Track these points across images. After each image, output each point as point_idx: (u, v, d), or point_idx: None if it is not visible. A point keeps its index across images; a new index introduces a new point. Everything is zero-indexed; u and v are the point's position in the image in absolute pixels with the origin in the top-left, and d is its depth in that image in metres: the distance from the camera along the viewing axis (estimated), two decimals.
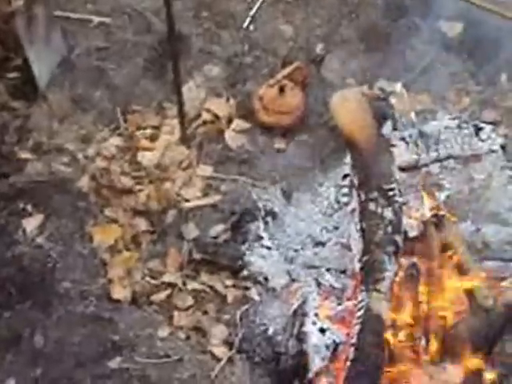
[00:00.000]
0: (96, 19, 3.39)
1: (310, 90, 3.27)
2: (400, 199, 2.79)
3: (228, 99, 3.26)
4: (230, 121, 3.21)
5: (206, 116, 3.21)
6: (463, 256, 2.74)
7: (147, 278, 2.83)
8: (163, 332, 2.69)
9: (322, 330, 2.65)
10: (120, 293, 2.78)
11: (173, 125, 3.17)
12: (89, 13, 3.41)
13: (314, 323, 2.67)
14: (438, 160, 3.07)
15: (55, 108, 3.17)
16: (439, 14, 3.42)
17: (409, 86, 3.27)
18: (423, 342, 2.59)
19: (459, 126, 3.11)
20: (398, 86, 3.27)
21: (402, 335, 2.60)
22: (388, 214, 2.72)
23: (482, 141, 3.09)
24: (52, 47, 3.21)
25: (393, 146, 3.02)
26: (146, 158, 3.09)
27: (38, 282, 2.73)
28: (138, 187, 3.02)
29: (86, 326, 2.65)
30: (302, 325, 2.68)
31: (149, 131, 3.16)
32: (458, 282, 2.72)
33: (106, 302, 2.74)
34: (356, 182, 2.85)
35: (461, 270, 2.73)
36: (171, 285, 2.82)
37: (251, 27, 3.43)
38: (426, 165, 3.07)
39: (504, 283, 2.73)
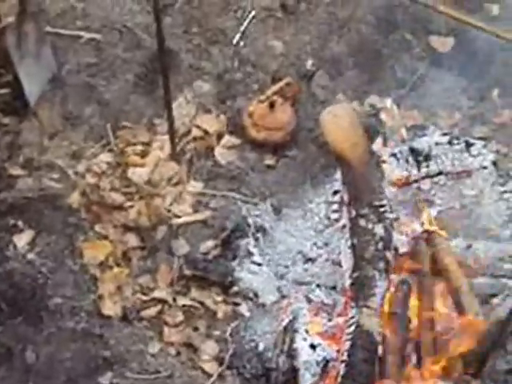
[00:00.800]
0: (86, 35, 3.47)
1: (300, 105, 3.37)
2: (391, 215, 2.90)
3: (218, 115, 3.36)
4: (220, 137, 3.31)
5: (196, 132, 3.31)
6: (454, 272, 2.86)
7: (138, 294, 2.92)
8: (154, 348, 2.78)
9: (313, 347, 2.74)
10: (110, 309, 2.87)
11: (163, 141, 3.26)
12: (79, 29, 3.49)
13: (305, 339, 2.76)
14: (428, 176, 3.18)
15: (46, 124, 3.26)
16: (430, 29, 3.56)
17: (399, 102, 3.38)
18: (414, 358, 2.69)
19: (450, 142, 3.21)
20: (389, 102, 3.38)
21: (392, 351, 2.69)
22: (379, 230, 2.82)
23: (473, 157, 3.19)
24: (42, 63, 3.29)
25: (383, 162, 3.14)
26: (137, 174, 3.18)
27: (29, 298, 2.80)
28: (129, 203, 3.11)
29: (76, 342, 2.73)
30: (292, 341, 2.77)
31: (139, 147, 3.25)
32: (449, 298, 2.84)
33: (96, 317, 2.82)
34: (347, 198, 2.93)
35: (451, 287, 2.84)
36: (162, 301, 2.90)
37: (241, 43, 3.53)
38: (416, 181, 3.17)
39: (495, 300, 2.85)
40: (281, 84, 3.31)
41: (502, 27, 3.36)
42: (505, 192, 3.13)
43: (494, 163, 3.18)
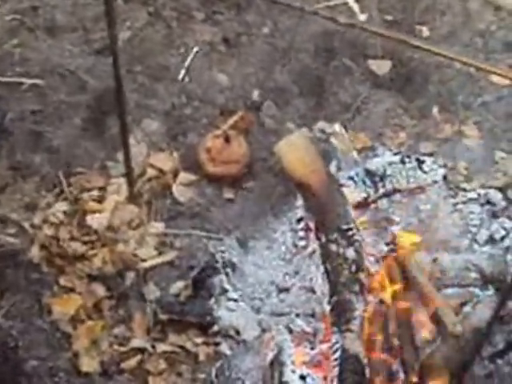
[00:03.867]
0: (27, 81, 3.22)
1: (251, 137, 3.22)
2: (358, 237, 2.80)
3: (171, 152, 3.16)
4: (175, 174, 3.12)
5: (151, 172, 3.10)
6: (426, 286, 2.77)
7: (115, 346, 2.68)
8: None
9: (303, 377, 2.58)
10: (89, 365, 2.62)
11: (118, 184, 3.03)
12: (18, 75, 3.24)
13: (293, 371, 2.59)
14: (385, 195, 3.09)
15: None
16: (367, 53, 3.49)
17: (346, 125, 3.27)
18: (401, 375, 2.59)
19: (402, 161, 3.14)
20: (337, 127, 3.27)
21: (380, 371, 2.58)
22: (350, 253, 2.69)
23: (425, 173, 3.13)
24: None
25: (342, 185, 3.05)
26: (96, 220, 2.94)
27: (2, 364, 2.53)
28: (91, 252, 2.87)
29: None
30: (281, 375, 2.59)
31: (95, 193, 3.01)
32: (424, 312, 2.76)
33: (75, 376, 2.58)
34: (313, 224, 2.82)
35: (425, 300, 2.76)
36: (140, 350, 2.68)
37: (186, 79, 3.35)
38: (374, 201, 3.09)
39: (465, 308, 2.78)
40: (235, 118, 3.15)
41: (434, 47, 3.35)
42: (457, 204, 3.08)
43: (444, 177, 3.14)
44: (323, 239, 2.74)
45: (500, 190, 3.11)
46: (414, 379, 2.59)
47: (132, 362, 2.65)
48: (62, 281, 2.79)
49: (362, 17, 3.56)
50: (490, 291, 2.83)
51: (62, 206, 2.96)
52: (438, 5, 3.67)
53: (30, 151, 3.08)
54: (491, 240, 3.00)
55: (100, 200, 3.00)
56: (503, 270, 2.88)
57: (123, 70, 3.22)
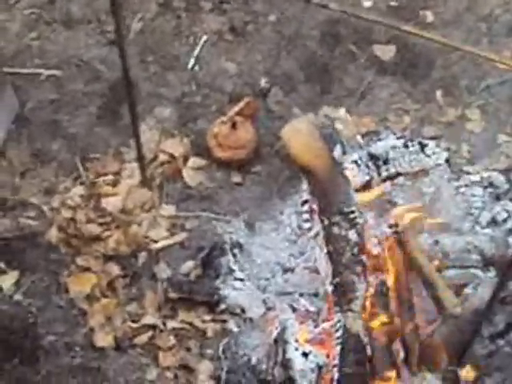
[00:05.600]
0: (45, 72, 3.31)
1: (259, 122, 3.27)
2: (361, 220, 2.84)
3: (182, 138, 3.23)
4: (186, 159, 3.19)
5: (162, 157, 3.18)
6: (427, 267, 2.80)
7: (128, 323, 2.78)
8: (151, 374, 2.66)
9: (305, 354, 2.65)
10: (103, 340, 2.73)
11: (132, 169, 3.12)
12: (37, 67, 3.32)
13: (296, 349, 2.67)
14: (389, 178, 3.11)
15: (15, 163, 3.08)
16: (372, 39, 3.50)
17: (351, 110, 3.31)
18: (402, 354, 2.63)
19: (405, 145, 3.14)
20: (342, 112, 3.32)
21: (380, 350, 2.65)
22: (352, 235, 2.74)
23: (428, 156, 3.13)
24: (5, 104, 3.11)
25: (346, 169, 3.10)
26: (110, 203, 3.04)
27: (22, 339, 2.64)
28: (106, 233, 2.96)
29: (75, 378, 2.60)
30: (284, 351, 2.67)
31: (110, 177, 3.10)
32: (424, 293, 2.81)
33: (91, 350, 2.69)
34: (316, 207, 2.87)
35: (426, 281, 2.79)
36: (152, 326, 2.78)
37: (196, 67, 3.41)
38: (378, 184, 3.12)
39: (467, 290, 2.81)
40: (241, 104, 3.20)
41: (437, 32, 3.37)
42: (460, 187, 3.10)
43: (447, 160, 3.14)
44: (326, 222, 2.79)
45: (503, 172, 3.12)
46: (414, 358, 2.62)
47: (144, 338, 2.75)
48: (79, 261, 2.89)
49: (367, 3, 3.58)
50: (492, 273, 2.83)
51: (78, 190, 3.06)
52: None
53: (48, 138, 3.17)
54: (493, 222, 3.01)
55: (114, 184, 3.08)
56: (505, 251, 2.88)
57: (136, 60, 3.36)
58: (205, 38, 3.49)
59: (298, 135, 2.93)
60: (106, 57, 3.36)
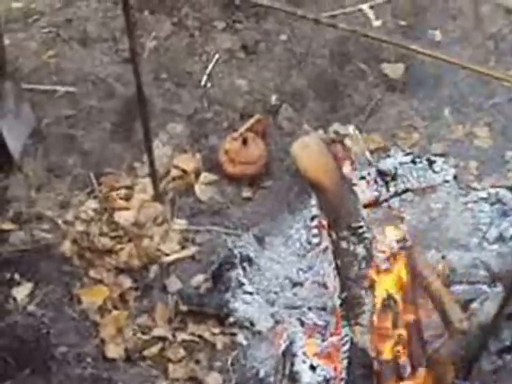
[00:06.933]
0: (62, 89, 3.35)
1: (269, 138, 3.29)
2: (369, 235, 2.85)
3: (193, 154, 3.26)
4: (197, 175, 3.21)
5: (174, 172, 3.20)
6: (434, 283, 2.79)
7: (138, 334, 2.79)
8: None
9: (313, 368, 2.65)
10: (114, 351, 2.74)
11: (144, 183, 3.14)
12: (54, 83, 3.36)
13: (304, 362, 2.67)
14: (397, 194, 3.13)
15: (31, 177, 3.11)
16: (381, 57, 3.53)
17: (360, 127, 3.32)
18: (408, 369, 2.61)
19: (413, 161, 3.18)
20: (351, 128, 3.31)
21: (387, 365, 2.63)
22: (360, 250, 2.74)
23: (436, 173, 3.16)
24: (22, 119, 3.15)
25: (354, 185, 3.10)
26: (123, 217, 3.06)
27: (34, 349, 2.66)
28: (119, 246, 2.99)
29: None
30: (292, 364, 2.67)
31: (123, 191, 3.13)
32: (432, 308, 2.80)
33: (102, 361, 2.70)
34: (325, 222, 2.88)
35: (433, 297, 2.80)
36: (162, 338, 2.78)
37: (208, 84, 3.44)
38: (386, 200, 3.13)
39: (473, 305, 2.80)
40: (251, 121, 3.22)
41: (445, 51, 3.37)
42: (467, 203, 3.11)
43: (455, 177, 3.17)
44: (335, 236, 2.79)
45: (510, 189, 3.12)
46: (421, 373, 2.60)
47: (154, 350, 2.76)
48: (92, 273, 2.91)
49: (377, 23, 3.61)
50: (498, 288, 2.82)
51: (92, 204, 3.08)
52: (450, 9, 3.69)
53: (63, 153, 3.21)
54: (501, 238, 3.01)
55: (127, 198, 3.11)
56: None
57: (150, 77, 3.39)
58: (217, 56, 3.52)
59: (308, 151, 2.93)
60: (121, 74, 3.40)
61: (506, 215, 3.07)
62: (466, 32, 3.62)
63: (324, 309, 2.85)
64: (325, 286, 2.88)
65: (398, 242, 2.94)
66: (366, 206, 3.06)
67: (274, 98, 3.42)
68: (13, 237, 2.94)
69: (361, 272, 2.73)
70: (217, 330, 2.81)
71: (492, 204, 3.11)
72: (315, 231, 3.03)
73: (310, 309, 2.85)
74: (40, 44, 3.53)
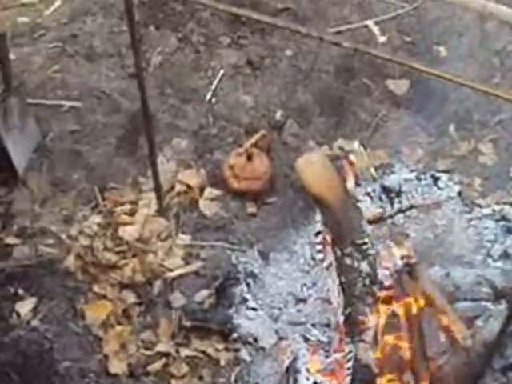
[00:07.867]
0: (67, 104, 3.36)
1: (274, 154, 3.31)
2: (373, 251, 2.86)
3: (198, 169, 3.27)
4: (202, 190, 3.22)
5: (179, 187, 3.22)
6: (438, 299, 2.81)
7: (141, 350, 2.80)
8: None
9: None
10: (117, 367, 2.74)
11: (149, 198, 3.15)
12: (59, 98, 3.38)
13: (308, 378, 2.67)
14: (401, 211, 3.15)
15: (36, 192, 3.12)
16: (386, 73, 3.55)
17: (365, 143, 3.34)
18: None
19: (418, 178, 3.19)
20: (356, 144, 3.35)
21: (391, 382, 2.65)
22: (364, 267, 2.75)
23: (441, 189, 3.18)
24: (27, 134, 3.17)
25: (359, 201, 3.12)
26: (127, 232, 3.07)
27: (38, 364, 2.67)
28: (123, 261, 2.99)
29: None
30: (296, 381, 2.68)
31: (127, 206, 3.14)
32: (436, 325, 2.81)
33: (105, 377, 2.70)
34: (329, 238, 2.88)
35: (437, 314, 2.81)
36: (165, 354, 2.79)
37: (213, 100, 3.46)
38: (390, 216, 3.14)
39: (477, 322, 2.81)
40: (256, 136, 3.25)
41: (450, 67, 3.39)
42: (472, 219, 3.12)
43: (460, 193, 3.18)
44: (339, 253, 2.80)
45: None
46: None
47: (157, 365, 2.76)
48: (95, 288, 2.92)
49: (382, 39, 3.63)
50: (503, 305, 2.82)
51: (96, 219, 3.09)
52: (456, 26, 3.71)
53: (68, 168, 3.22)
54: (505, 255, 3.02)
55: (132, 213, 3.12)
56: None
57: (155, 93, 3.41)
58: (222, 71, 3.54)
59: (312, 167, 2.96)
60: (126, 89, 3.41)
61: (511, 232, 3.08)
62: (472, 48, 3.63)
63: (328, 325, 2.85)
64: (329, 302, 2.88)
65: (402, 258, 3.00)
66: (370, 223, 3.08)
67: (278, 114, 3.44)
68: (17, 251, 2.95)
69: (365, 288, 2.76)
70: (220, 346, 2.81)
71: (496, 221, 3.12)
72: (319, 247, 3.03)
73: (313, 325, 2.85)
74: (46, 59, 3.54)
